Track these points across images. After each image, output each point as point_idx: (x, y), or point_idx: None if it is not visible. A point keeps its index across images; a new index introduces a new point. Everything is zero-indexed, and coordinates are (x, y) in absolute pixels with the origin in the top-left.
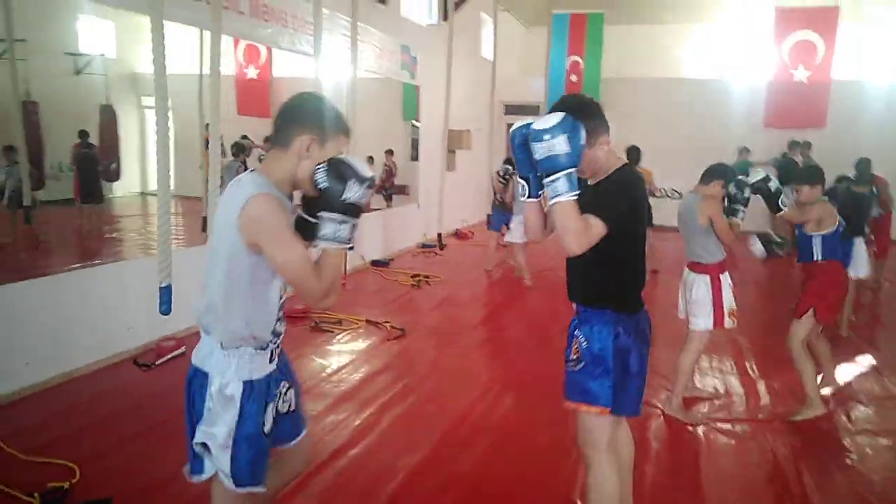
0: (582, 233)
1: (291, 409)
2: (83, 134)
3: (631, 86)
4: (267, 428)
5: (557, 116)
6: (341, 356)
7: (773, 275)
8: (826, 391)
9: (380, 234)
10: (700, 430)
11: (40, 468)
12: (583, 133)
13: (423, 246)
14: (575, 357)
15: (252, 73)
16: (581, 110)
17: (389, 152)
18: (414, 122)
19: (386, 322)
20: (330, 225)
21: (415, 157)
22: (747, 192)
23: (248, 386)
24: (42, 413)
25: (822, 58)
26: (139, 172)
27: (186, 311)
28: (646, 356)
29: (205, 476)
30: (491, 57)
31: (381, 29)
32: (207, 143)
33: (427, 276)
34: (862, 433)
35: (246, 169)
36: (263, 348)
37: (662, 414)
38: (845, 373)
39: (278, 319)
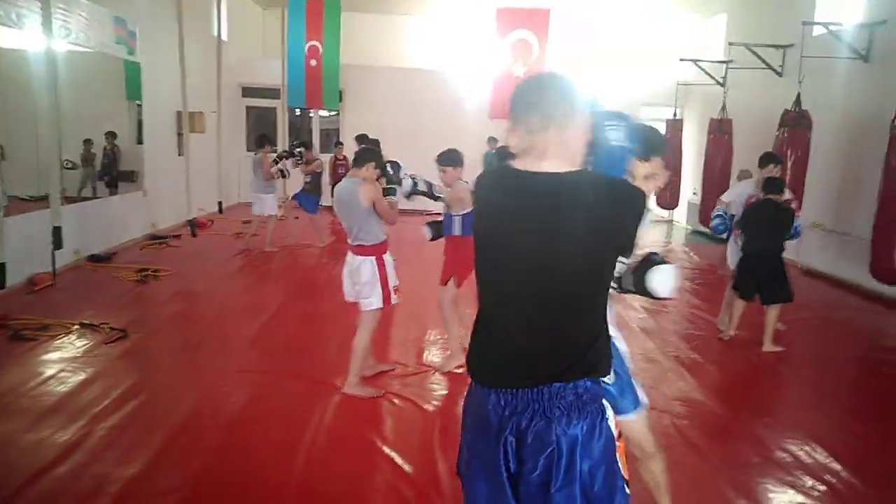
0: None
1: None
2: None
3: (369, 73)
4: None
5: None
6: (47, 366)
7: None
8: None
9: (98, 225)
10: (381, 402)
11: None
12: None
13: (154, 238)
14: None
15: None
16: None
17: (111, 135)
18: (139, 102)
19: (104, 324)
20: None
21: (141, 141)
22: (401, 173)
23: None
24: None
25: (537, 56)
26: None
27: None
28: (472, 456)
29: None
30: (222, 36)
31: None
32: None
33: (156, 271)
34: None
35: None
36: None
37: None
38: None
39: None
